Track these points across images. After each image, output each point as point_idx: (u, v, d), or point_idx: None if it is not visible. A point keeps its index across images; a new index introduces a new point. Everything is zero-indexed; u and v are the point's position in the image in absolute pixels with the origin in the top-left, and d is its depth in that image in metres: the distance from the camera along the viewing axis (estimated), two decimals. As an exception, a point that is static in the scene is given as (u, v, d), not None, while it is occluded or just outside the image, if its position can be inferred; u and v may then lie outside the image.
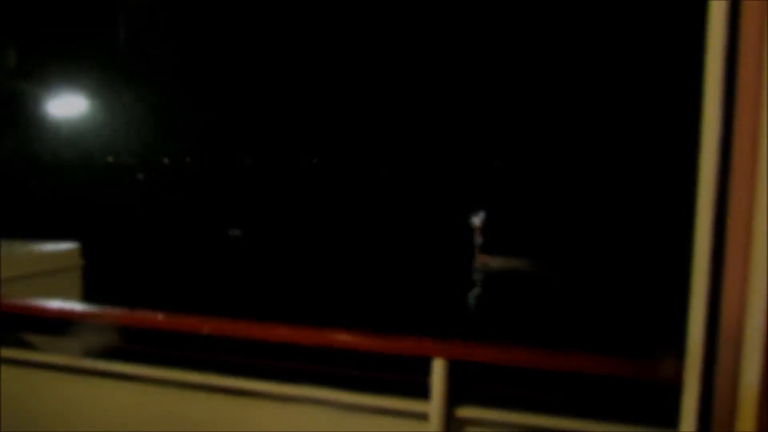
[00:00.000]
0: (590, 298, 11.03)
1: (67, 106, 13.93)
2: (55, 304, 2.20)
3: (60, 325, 2.13)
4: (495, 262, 14.82)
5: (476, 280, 14.18)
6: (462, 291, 13.02)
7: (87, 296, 2.98)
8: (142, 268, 12.68)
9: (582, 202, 20.26)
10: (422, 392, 1.68)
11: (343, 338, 1.87)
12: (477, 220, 15.28)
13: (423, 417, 1.68)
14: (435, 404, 1.65)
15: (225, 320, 2.01)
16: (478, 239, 15.21)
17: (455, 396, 1.68)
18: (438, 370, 1.67)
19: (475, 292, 13.31)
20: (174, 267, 13.24)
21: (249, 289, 11.73)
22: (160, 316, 2.06)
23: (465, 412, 1.68)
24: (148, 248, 15.24)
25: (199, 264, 13.85)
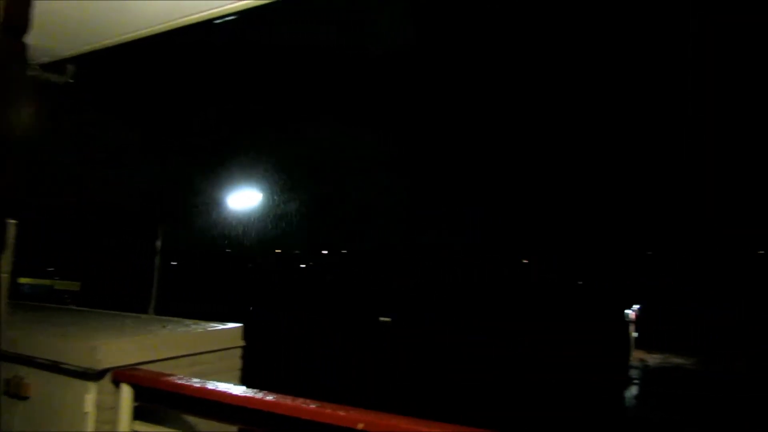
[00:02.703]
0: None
1: (244, 198, 15.58)
2: (209, 385, 2.23)
3: (215, 406, 2.17)
4: (653, 359, 13.73)
5: (633, 377, 13.20)
6: (618, 389, 12.19)
7: (245, 378, 3.14)
8: (296, 353, 13.54)
9: (744, 289, 18.21)
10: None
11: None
12: (632, 312, 14.42)
13: None
14: None
15: (382, 415, 1.88)
16: (634, 333, 14.28)
17: None
18: None
19: (633, 390, 12.37)
20: (325, 353, 13.95)
21: (398, 379, 11.97)
22: (312, 405, 1.99)
23: None
24: (303, 333, 16.26)
25: (348, 351, 14.45)
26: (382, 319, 19.08)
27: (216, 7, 2.55)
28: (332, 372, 12.14)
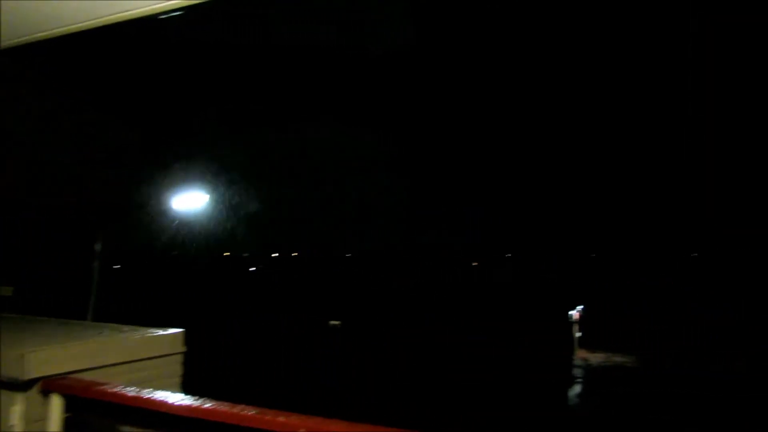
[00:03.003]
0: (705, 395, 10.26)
1: (193, 200, 15.12)
2: (145, 393, 2.16)
3: (151, 415, 2.10)
4: (596, 358, 14.08)
5: (576, 375, 13.52)
6: (562, 387, 12.47)
7: (185, 384, 3.02)
8: (241, 357, 13.30)
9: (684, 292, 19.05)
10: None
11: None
12: (576, 313, 14.76)
13: None
14: None
15: (324, 420, 1.83)
16: (577, 333, 14.62)
17: None
18: None
19: (576, 388, 12.67)
20: (271, 356, 13.76)
21: (343, 381, 11.92)
22: (251, 412, 1.94)
23: None
24: (247, 337, 15.99)
25: (295, 354, 14.31)
26: (332, 322, 19.00)
27: (153, 4, 2.47)
28: (279, 375, 11.98)
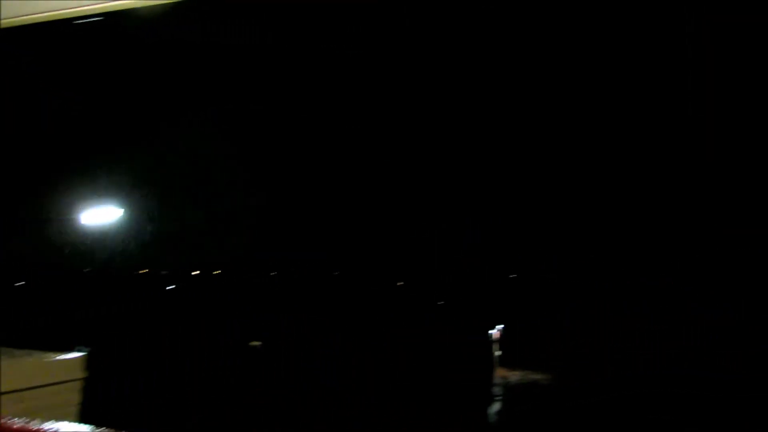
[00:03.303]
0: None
1: (108, 212, 14.47)
2: (33, 424, 2.06)
3: None
4: (514, 376, 14.40)
5: (496, 393, 13.77)
6: (482, 406, 12.65)
7: (85, 412, 2.93)
8: (151, 381, 12.63)
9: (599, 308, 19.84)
10: None
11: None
12: (496, 332, 15.06)
13: None
14: None
15: None
16: (497, 352, 14.93)
17: None
18: None
19: (495, 406, 12.90)
20: (185, 379, 13.16)
21: (264, 404, 11.55)
22: None
23: None
24: (161, 359, 15.24)
25: (211, 376, 13.75)
26: (252, 343, 18.42)
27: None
28: (191, 400, 11.44)
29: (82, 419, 2.67)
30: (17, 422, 1.98)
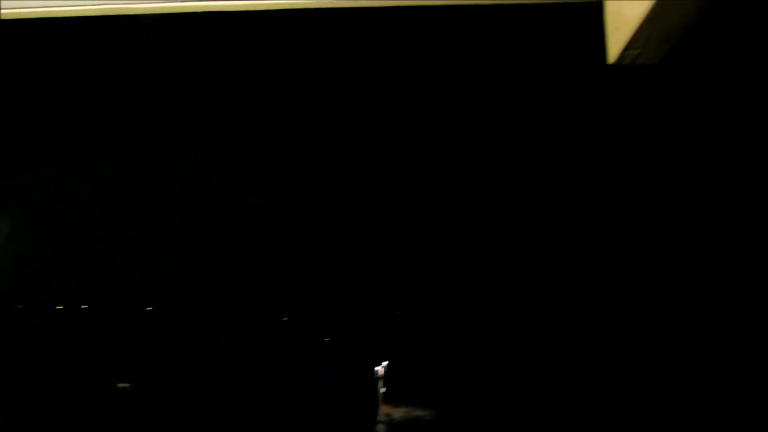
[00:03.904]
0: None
1: None
2: None
3: None
4: (398, 413, 14.43)
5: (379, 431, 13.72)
6: (366, 445, 12.52)
7: None
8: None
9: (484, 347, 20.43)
10: None
11: None
12: (380, 369, 15.05)
13: None
14: None
15: None
16: (381, 389, 14.89)
17: None
18: None
19: (378, 444, 12.84)
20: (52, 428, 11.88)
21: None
22: None
23: None
24: (15, 408, 13.67)
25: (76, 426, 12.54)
26: (120, 385, 17.00)
27: None
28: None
29: None
30: None
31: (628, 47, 1.43)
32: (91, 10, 3.01)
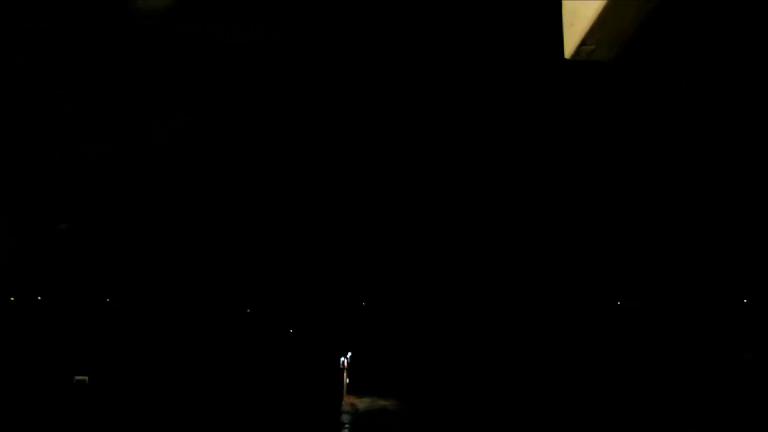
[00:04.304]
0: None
1: None
2: None
3: None
4: (362, 403, 14.65)
5: (344, 422, 13.88)
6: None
7: None
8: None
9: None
10: None
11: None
12: (344, 360, 15.29)
13: None
14: None
15: None
16: (346, 380, 15.10)
17: None
18: None
19: (343, 434, 13.01)
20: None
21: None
22: None
23: None
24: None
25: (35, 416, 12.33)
26: (78, 378, 16.75)
27: None
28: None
29: None
30: None
31: (583, 43, 1.46)
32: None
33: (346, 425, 13.60)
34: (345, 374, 15.25)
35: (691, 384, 12.82)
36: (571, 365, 15.80)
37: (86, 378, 16.92)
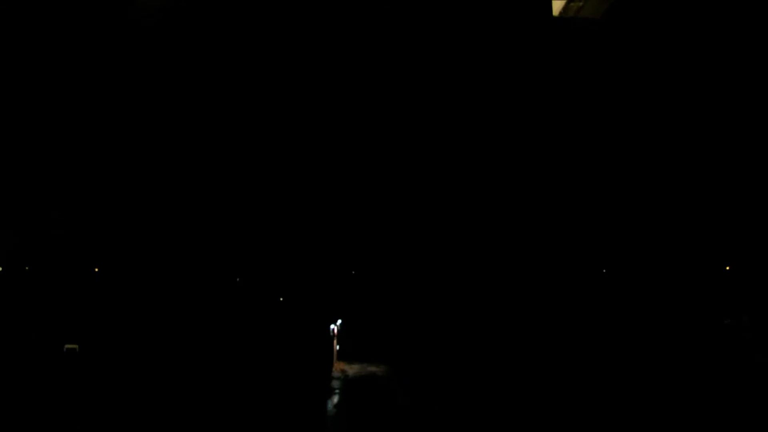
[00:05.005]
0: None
1: None
2: None
3: None
4: (352, 369, 14.90)
5: (335, 387, 14.10)
6: (321, 399, 12.86)
7: None
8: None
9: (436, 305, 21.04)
10: None
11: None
12: (335, 327, 15.49)
13: None
14: None
15: None
16: (336, 347, 15.32)
17: None
18: None
19: (334, 399, 13.19)
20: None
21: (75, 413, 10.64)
22: None
23: None
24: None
25: (27, 384, 12.40)
26: (68, 346, 16.85)
27: None
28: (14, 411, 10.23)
29: None
30: None
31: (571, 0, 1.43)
32: None
33: (337, 390, 13.83)
34: (335, 341, 15.46)
35: (700, 385, 12.98)
36: (562, 337, 16.03)
37: (76, 346, 17.02)
